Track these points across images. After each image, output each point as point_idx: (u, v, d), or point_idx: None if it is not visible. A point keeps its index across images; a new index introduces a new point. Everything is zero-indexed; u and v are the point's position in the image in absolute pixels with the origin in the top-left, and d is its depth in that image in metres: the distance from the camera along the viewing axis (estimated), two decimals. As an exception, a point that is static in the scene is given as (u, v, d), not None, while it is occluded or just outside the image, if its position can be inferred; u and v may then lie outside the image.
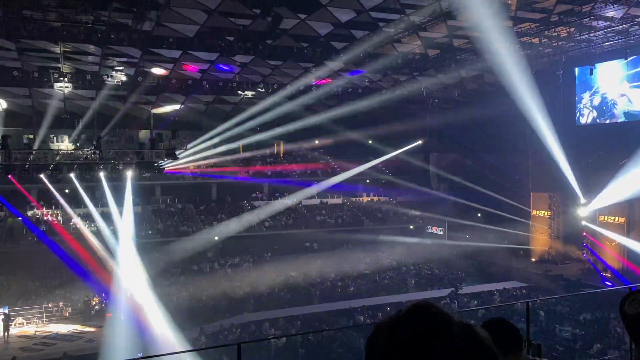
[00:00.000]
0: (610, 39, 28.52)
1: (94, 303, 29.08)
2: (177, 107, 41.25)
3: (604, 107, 34.63)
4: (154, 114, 40.40)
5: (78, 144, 38.17)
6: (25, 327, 26.61)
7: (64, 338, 25.07)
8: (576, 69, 34.93)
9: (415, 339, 1.10)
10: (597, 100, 34.93)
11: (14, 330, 25.60)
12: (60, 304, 28.52)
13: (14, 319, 26.25)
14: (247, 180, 44.11)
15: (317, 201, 46.97)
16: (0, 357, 22.57)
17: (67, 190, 36.12)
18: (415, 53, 32.19)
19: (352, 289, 32.69)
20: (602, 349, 20.96)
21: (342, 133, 41.99)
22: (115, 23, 24.96)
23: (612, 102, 34.17)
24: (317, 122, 39.77)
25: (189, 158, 38.90)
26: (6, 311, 25.47)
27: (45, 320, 27.17)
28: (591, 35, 27.81)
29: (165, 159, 31.92)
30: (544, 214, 37.91)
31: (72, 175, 31.22)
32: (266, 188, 46.66)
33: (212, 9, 24.06)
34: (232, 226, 39.80)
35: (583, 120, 36.00)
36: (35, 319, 27.15)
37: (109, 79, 29.81)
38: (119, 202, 34.55)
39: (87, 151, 31.34)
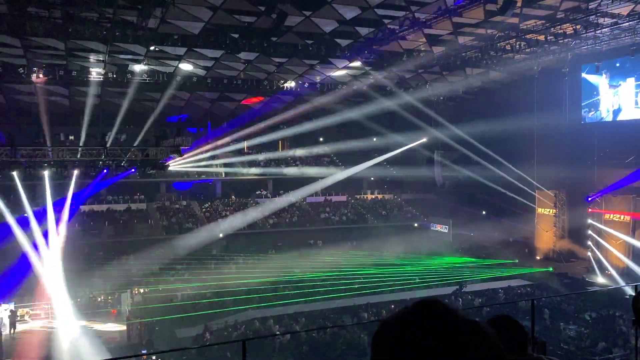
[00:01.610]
0: (617, 36, 28.31)
1: (100, 300, 29.20)
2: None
3: (611, 105, 34.39)
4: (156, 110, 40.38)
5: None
6: (31, 323, 26.72)
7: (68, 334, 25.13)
8: (582, 67, 34.70)
9: (421, 336, 1.09)
10: (603, 98, 34.68)
11: (20, 327, 25.74)
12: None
13: (19, 311, 26.36)
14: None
15: (321, 198, 46.94)
16: (7, 353, 22.71)
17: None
18: (421, 50, 32.08)
19: (356, 286, 32.67)
20: (607, 347, 20.87)
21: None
22: (120, 20, 24.99)
23: (618, 99, 33.93)
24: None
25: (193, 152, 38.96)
26: (12, 307, 25.63)
27: (51, 317, 27.25)
28: (597, 32, 27.60)
29: (171, 156, 31.91)
30: (549, 212, 37.74)
31: (75, 172, 31.15)
32: (270, 185, 46.66)
33: (217, 6, 24.06)
34: (236, 223, 39.86)
35: (589, 118, 35.79)
36: (41, 315, 27.25)
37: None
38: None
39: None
